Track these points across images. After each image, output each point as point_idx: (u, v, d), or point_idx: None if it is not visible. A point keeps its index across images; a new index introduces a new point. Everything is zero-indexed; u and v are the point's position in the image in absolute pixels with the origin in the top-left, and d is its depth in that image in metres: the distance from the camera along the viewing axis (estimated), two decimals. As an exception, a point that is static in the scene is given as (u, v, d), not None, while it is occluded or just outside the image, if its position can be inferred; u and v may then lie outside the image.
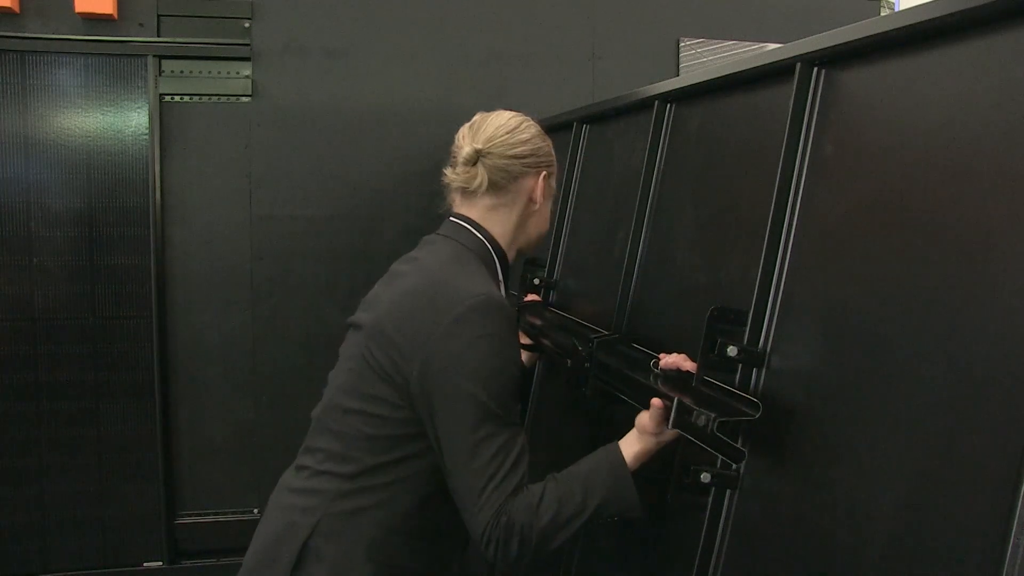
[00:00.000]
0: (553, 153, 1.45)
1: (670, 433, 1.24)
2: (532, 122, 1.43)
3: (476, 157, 1.36)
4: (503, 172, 1.37)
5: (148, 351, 2.99)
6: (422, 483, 1.30)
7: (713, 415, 1.10)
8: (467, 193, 1.39)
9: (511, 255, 1.43)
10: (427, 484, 1.30)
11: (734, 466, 1.19)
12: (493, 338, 1.23)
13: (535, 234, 1.46)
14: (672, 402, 1.17)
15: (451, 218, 1.41)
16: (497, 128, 1.38)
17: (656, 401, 1.24)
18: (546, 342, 1.77)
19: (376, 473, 1.30)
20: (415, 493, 1.30)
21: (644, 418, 1.27)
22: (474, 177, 1.36)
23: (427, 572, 1.38)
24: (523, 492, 1.22)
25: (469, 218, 1.39)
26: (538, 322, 1.84)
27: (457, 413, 1.22)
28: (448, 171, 1.41)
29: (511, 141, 1.37)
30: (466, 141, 1.38)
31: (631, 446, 1.28)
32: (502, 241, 1.40)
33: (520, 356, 1.32)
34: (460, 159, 1.38)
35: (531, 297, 1.98)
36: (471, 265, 1.33)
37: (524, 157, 1.38)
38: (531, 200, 1.40)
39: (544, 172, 1.41)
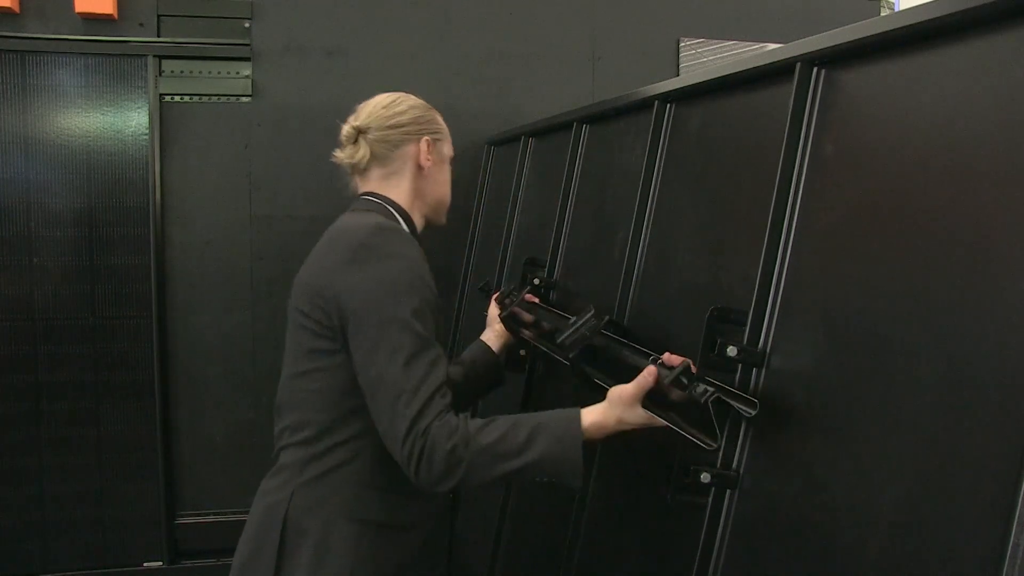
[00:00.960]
0: (439, 121, 1.54)
1: (640, 414, 1.25)
2: (412, 97, 1.53)
3: (356, 135, 1.47)
4: (383, 143, 1.46)
5: (148, 351, 2.99)
6: (379, 435, 1.30)
7: (712, 389, 1.10)
8: (358, 171, 1.49)
9: (418, 220, 1.52)
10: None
11: (734, 466, 1.19)
12: (394, 256, 1.30)
13: (433, 199, 1.53)
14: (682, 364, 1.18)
15: (359, 196, 1.49)
16: (375, 106, 1.49)
17: (651, 368, 1.24)
18: (545, 325, 1.74)
19: (334, 430, 1.33)
20: (378, 443, 1.30)
21: (622, 388, 1.26)
22: (356, 152, 1.47)
23: (414, 523, 1.39)
24: (454, 414, 1.25)
25: (369, 191, 1.48)
26: (531, 318, 1.82)
27: (367, 330, 1.26)
28: (336, 152, 1.50)
29: (387, 114, 1.47)
30: (347, 123, 1.48)
31: (593, 414, 1.28)
32: (404, 205, 1.49)
33: (431, 277, 1.37)
34: (342, 139, 1.49)
35: (529, 299, 1.97)
36: (372, 213, 1.42)
37: (403, 126, 1.47)
38: (418, 166, 1.48)
39: (427, 138, 1.49)
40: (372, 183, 1.49)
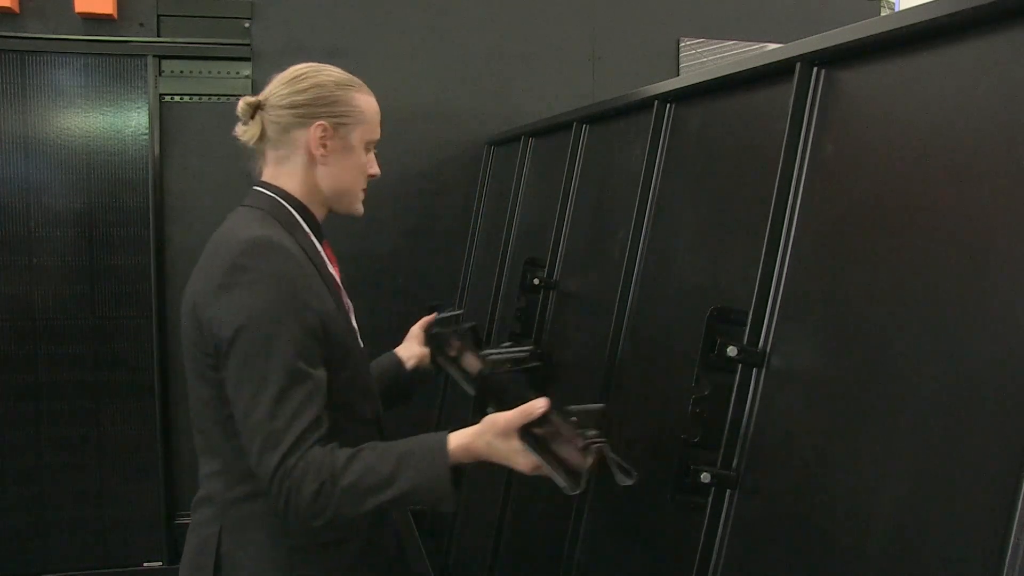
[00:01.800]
0: (353, 102, 1.35)
1: (514, 446, 1.20)
2: (325, 72, 1.35)
3: (251, 111, 1.34)
4: (275, 125, 1.32)
5: (148, 351, 2.99)
6: None
7: (601, 442, 1.08)
8: (255, 149, 1.37)
9: (317, 210, 1.38)
10: None
11: (734, 466, 1.19)
12: (266, 278, 1.19)
13: (330, 189, 1.36)
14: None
15: (253, 187, 1.38)
16: (279, 80, 1.34)
17: (542, 400, 1.20)
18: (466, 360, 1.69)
19: (242, 458, 1.24)
20: None
21: (499, 415, 1.21)
22: (247, 131, 1.35)
23: (347, 536, 1.32)
24: (324, 447, 1.17)
25: (263, 181, 1.37)
26: (456, 350, 1.73)
27: (240, 362, 1.18)
28: (238, 126, 1.38)
29: (284, 92, 1.32)
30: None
31: (462, 436, 1.22)
32: (298, 195, 1.35)
33: (314, 285, 1.27)
34: (238, 113, 1.36)
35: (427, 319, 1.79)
36: (254, 220, 1.29)
37: (296, 107, 1.31)
38: (311, 153, 1.32)
39: (323, 123, 1.31)
40: (269, 167, 1.36)
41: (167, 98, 2.99)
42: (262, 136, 1.34)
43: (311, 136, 1.32)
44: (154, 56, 2.95)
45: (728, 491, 1.20)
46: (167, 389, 3.04)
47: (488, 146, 3.14)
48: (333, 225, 1.43)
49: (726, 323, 1.20)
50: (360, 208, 1.43)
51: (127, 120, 2.95)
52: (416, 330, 1.76)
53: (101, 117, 2.93)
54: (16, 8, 2.83)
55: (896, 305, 0.95)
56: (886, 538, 0.90)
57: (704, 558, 1.22)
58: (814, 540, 1.02)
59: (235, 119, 1.40)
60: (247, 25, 3.05)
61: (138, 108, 2.95)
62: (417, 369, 1.70)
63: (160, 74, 2.98)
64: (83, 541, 2.99)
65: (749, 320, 1.19)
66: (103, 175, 2.94)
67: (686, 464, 1.20)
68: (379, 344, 1.63)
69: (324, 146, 1.33)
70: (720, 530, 1.21)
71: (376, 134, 1.40)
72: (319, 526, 1.17)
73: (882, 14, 2.33)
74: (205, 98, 3.02)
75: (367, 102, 1.38)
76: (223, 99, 3.03)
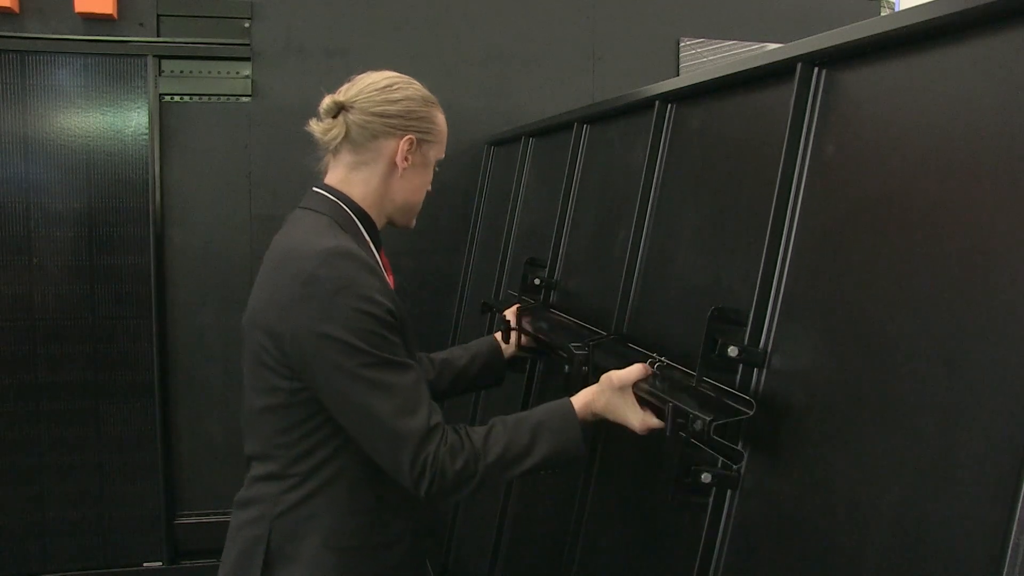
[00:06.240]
0: (435, 120, 1.41)
1: (629, 401, 1.31)
2: (414, 86, 1.40)
3: (337, 110, 1.35)
4: (362, 129, 1.34)
5: (148, 351, 2.99)
6: (351, 458, 1.28)
7: (709, 418, 1.10)
8: (331, 148, 1.37)
9: (379, 219, 1.41)
10: (356, 457, 1.28)
11: (734, 466, 1.19)
12: (347, 288, 1.21)
13: (400, 201, 1.40)
14: (667, 407, 1.18)
15: (313, 188, 1.39)
16: (368, 85, 1.37)
17: (641, 367, 1.30)
18: (548, 342, 1.75)
19: (302, 462, 1.29)
20: (349, 470, 1.29)
21: (613, 372, 1.32)
22: (330, 129, 1.35)
23: (397, 539, 1.35)
24: (455, 430, 1.24)
25: (328, 185, 1.38)
26: (542, 325, 1.82)
27: (337, 371, 1.20)
28: (312, 123, 1.38)
29: (377, 99, 1.34)
30: (333, 94, 1.38)
31: (582, 396, 1.34)
32: (364, 203, 1.37)
33: (388, 290, 1.28)
34: (321, 111, 1.37)
35: (513, 309, 1.90)
36: (321, 227, 1.30)
37: (389, 117, 1.34)
38: (393, 164, 1.36)
39: (411, 137, 1.36)
40: (340, 169, 1.37)
41: (167, 98, 3.00)
42: (345, 137, 1.35)
43: (399, 148, 1.35)
44: (154, 56, 2.95)
45: (728, 491, 1.20)
46: (167, 389, 3.04)
47: (488, 146, 3.14)
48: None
49: (727, 323, 1.20)
50: (414, 223, 1.49)
51: (127, 120, 2.95)
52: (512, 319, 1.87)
53: (101, 117, 2.93)
54: (16, 8, 2.83)
55: (897, 305, 0.95)
56: (886, 538, 0.90)
57: (704, 558, 1.22)
58: (814, 540, 1.02)
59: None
60: (247, 25, 3.05)
61: (138, 108, 2.95)
62: (515, 356, 1.83)
63: (160, 74, 2.98)
64: (83, 541, 2.99)
65: (750, 320, 1.19)
66: (103, 175, 2.94)
67: (687, 464, 1.20)
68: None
69: (406, 159, 1.37)
70: (721, 530, 1.21)
71: (443, 154, 1.46)
72: (459, 498, 1.28)
73: (882, 14, 2.33)
74: (205, 98, 3.02)
75: (443, 122, 1.44)
76: (223, 99, 3.03)
